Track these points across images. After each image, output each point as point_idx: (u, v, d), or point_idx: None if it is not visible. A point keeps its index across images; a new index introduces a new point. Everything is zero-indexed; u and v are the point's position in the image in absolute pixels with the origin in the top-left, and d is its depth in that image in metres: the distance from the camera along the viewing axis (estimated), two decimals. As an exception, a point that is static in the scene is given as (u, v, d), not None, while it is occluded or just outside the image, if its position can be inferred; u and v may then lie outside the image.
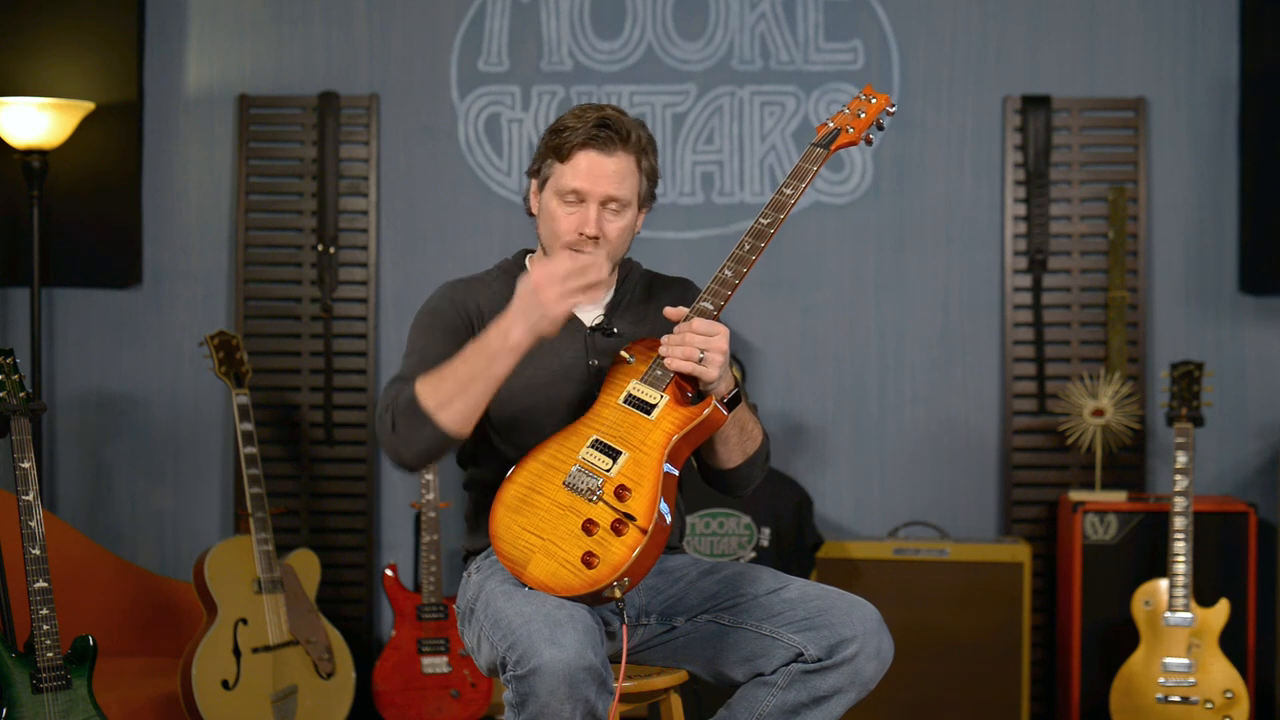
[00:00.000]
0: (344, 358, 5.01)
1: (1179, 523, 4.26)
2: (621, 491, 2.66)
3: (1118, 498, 4.57)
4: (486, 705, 4.60)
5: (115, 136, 4.89)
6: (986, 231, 4.95)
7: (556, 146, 2.85)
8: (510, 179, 4.99)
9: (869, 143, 2.92)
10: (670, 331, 2.76)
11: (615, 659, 2.75)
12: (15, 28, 4.83)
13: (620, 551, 2.62)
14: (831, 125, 2.90)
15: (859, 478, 4.98)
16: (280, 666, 4.32)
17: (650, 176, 2.91)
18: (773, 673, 2.77)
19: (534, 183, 2.92)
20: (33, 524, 3.44)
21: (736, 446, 2.85)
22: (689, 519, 4.61)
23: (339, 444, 5.00)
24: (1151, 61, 4.91)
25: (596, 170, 2.83)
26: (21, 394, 3.54)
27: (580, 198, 2.84)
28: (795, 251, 4.97)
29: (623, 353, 2.81)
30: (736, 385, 2.78)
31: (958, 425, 4.95)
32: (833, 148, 2.88)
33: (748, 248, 2.78)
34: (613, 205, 2.85)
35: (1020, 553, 4.61)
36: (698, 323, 2.71)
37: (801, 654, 2.73)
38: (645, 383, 2.75)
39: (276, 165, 5.03)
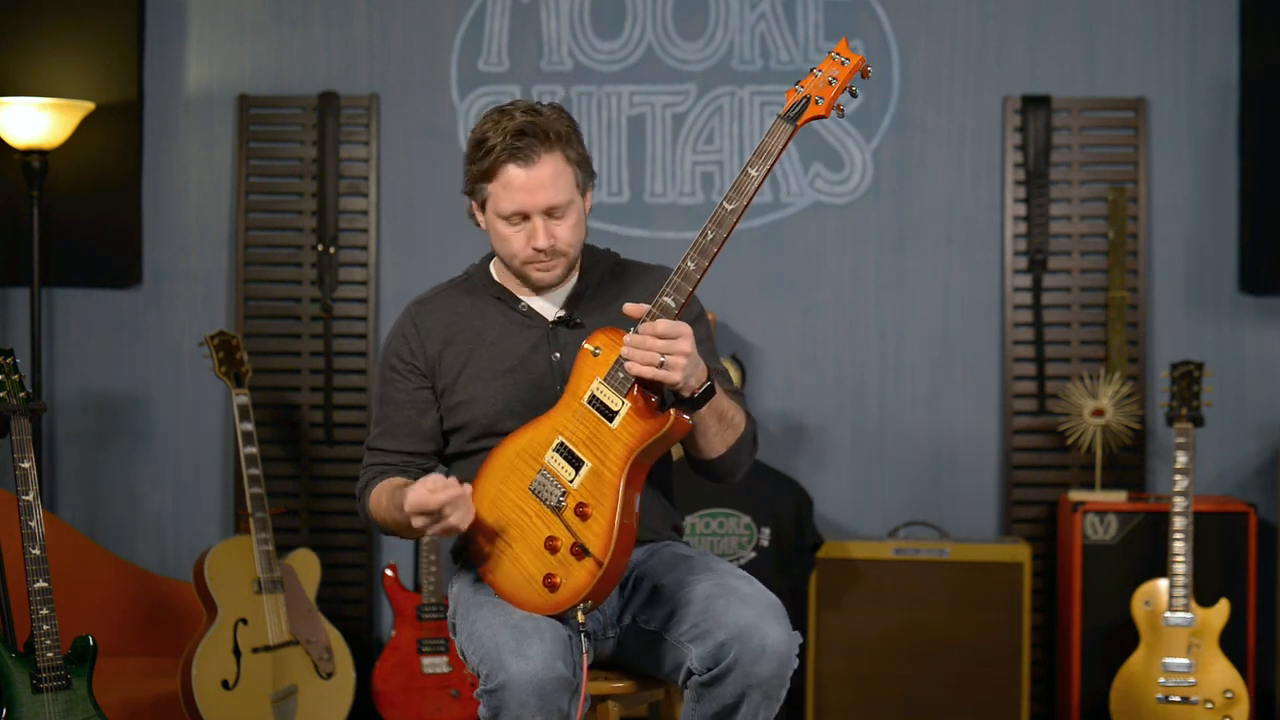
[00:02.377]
0: (344, 358, 5.00)
1: (1179, 523, 4.26)
2: (582, 509, 2.61)
3: (1118, 498, 4.57)
4: (486, 705, 4.59)
5: (115, 136, 4.89)
6: (986, 231, 4.95)
7: (483, 170, 2.77)
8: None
9: (840, 113, 2.65)
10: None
11: (594, 665, 2.75)
12: (15, 28, 4.83)
13: (581, 578, 2.58)
14: (801, 91, 2.65)
15: (859, 478, 4.97)
16: (280, 666, 4.32)
17: (582, 164, 2.81)
18: (682, 687, 2.69)
19: (473, 202, 2.86)
20: (33, 524, 3.44)
21: (717, 437, 2.75)
22: (689, 519, 4.61)
23: (339, 444, 5.00)
24: (1151, 61, 4.90)
25: (530, 184, 2.74)
26: (21, 394, 3.54)
27: (524, 216, 2.78)
28: (795, 251, 4.97)
29: (586, 344, 2.69)
30: (710, 376, 2.66)
31: (958, 425, 4.95)
32: (800, 122, 2.64)
33: (710, 237, 2.63)
34: (555, 212, 2.78)
35: (1020, 553, 4.61)
36: (661, 324, 2.58)
37: (692, 669, 2.63)
38: (608, 384, 2.64)
39: (276, 165, 5.02)
